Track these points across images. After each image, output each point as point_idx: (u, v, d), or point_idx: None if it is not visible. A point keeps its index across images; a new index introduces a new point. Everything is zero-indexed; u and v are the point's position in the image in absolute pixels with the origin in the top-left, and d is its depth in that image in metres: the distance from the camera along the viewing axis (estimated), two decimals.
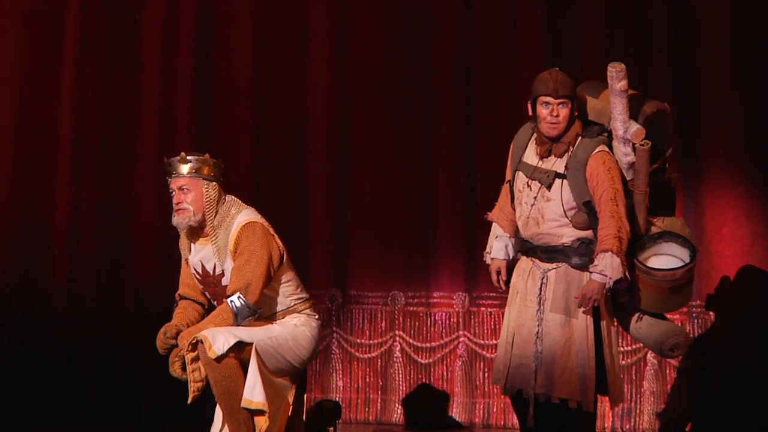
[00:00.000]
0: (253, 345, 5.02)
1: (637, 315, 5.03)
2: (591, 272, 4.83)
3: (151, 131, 7.13)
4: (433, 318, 6.81)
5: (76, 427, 6.73)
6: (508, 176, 5.17)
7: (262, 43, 7.13)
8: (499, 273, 5.21)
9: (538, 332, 4.95)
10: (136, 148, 7.16)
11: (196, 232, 5.28)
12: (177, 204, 5.20)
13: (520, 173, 5.06)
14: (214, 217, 5.20)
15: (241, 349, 4.99)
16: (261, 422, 5.01)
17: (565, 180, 4.92)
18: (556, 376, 4.90)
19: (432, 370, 6.79)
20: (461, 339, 6.73)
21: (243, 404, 4.97)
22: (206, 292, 5.35)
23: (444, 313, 6.79)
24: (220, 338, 4.94)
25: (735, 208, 6.37)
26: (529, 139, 5.07)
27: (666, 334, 4.96)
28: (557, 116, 4.90)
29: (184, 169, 5.21)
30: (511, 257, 5.24)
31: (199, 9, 7.16)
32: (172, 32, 7.17)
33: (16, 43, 7.25)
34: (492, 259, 5.24)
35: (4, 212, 7.19)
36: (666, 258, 4.89)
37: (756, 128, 6.38)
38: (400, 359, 6.83)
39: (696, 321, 6.40)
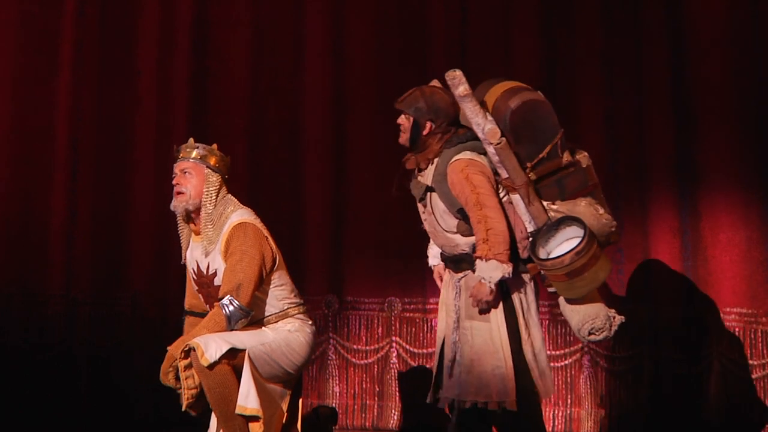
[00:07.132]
0: (246, 351, 5.02)
1: (561, 302, 5.03)
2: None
3: (148, 137, 7.13)
4: (429, 324, 6.81)
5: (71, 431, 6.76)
6: None
7: (259, 49, 7.13)
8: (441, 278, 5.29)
9: (454, 340, 4.99)
10: (132, 154, 7.16)
11: (193, 228, 5.30)
12: (176, 186, 5.24)
13: None
14: (212, 208, 5.22)
15: (233, 355, 4.99)
16: (256, 428, 5.02)
17: (434, 192, 5.00)
18: (473, 381, 4.92)
19: (429, 376, 6.77)
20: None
21: (237, 411, 4.98)
22: (201, 294, 5.35)
23: None
24: (212, 345, 4.95)
25: (731, 213, 6.36)
26: None
27: (583, 319, 4.92)
28: (398, 124, 5.10)
29: (192, 153, 5.29)
30: None
31: (196, 15, 7.15)
32: (169, 38, 7.17)
33: (12, 48, 7.24)
34: (433, 266, 5.34)
35: (0, 218, 7.18)
36: (575, 241, 4.82)
37: (751, 134, 6.36)
38: (397, 365, 6.82)
39: (693, 326, 6.40)
